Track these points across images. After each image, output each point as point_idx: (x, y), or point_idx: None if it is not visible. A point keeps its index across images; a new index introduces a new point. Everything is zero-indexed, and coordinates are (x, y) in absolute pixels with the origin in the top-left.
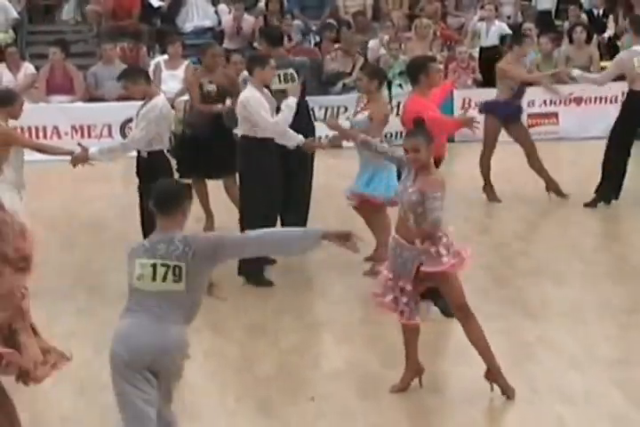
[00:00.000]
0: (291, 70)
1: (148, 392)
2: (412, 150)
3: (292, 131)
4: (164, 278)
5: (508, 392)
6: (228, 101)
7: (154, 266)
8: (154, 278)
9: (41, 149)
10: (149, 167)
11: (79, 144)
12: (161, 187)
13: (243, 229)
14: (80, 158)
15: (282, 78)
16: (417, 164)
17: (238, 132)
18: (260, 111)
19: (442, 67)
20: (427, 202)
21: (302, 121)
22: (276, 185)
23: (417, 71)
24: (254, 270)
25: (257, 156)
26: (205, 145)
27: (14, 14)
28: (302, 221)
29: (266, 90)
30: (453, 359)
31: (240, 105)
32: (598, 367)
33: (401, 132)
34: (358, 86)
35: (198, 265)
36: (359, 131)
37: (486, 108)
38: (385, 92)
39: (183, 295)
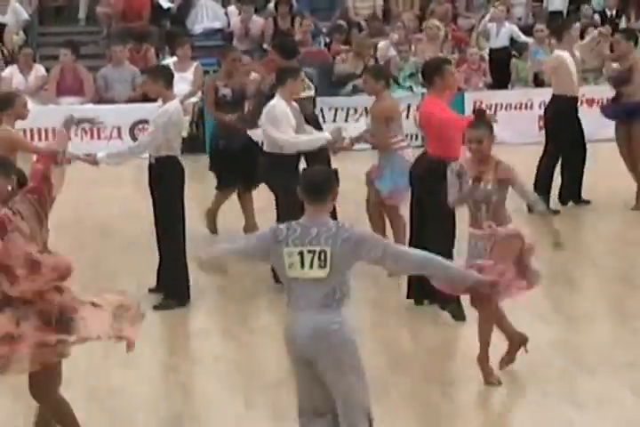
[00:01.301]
0: (305, 78)
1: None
2: (476, 141)
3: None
4: (311, 265)
5: (489, 380)
6: (247, 103)
7: (301, 253)
8: (302, 266)
9: (42, 154)
10: (158, 173)
11: (85, 155)
12: (311, 174)
13: None
14: (89, 163)
15: (302, 87)
16: (479, 154)
17: (266, 148)
18: (280, 126)
19: (453, 69)
20: (515, 187)
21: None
22: None
23: (432, 73)
24: None
25: (287, 170)
26: (237, 155)
27: (25, 16)
28: None
29: (294, 102)
30: (464, 363)
31: (265, 112)
32: (610, 371)
33: (415, 135)
34: (365, 88)
35: (344, 251)
36: (364, 132)
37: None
38: (390, 92)
39: (326, 281)
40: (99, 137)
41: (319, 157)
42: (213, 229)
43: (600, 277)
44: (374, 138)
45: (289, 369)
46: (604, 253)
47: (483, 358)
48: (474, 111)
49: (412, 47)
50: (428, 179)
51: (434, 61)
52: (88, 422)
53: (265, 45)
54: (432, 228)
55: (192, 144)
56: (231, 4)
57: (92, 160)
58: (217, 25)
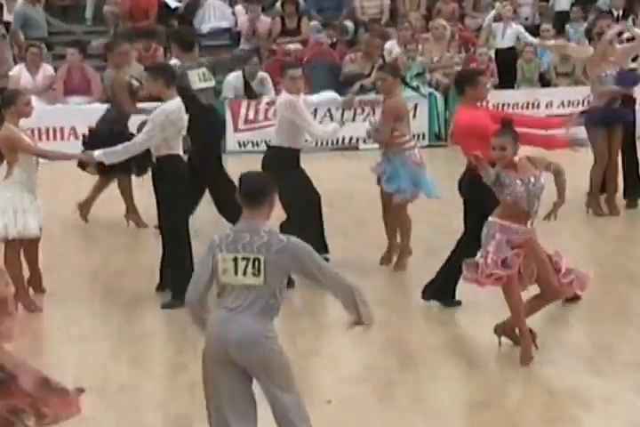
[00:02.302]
0: (204, 69)
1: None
2: (499, 148)
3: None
4: (245, 272)
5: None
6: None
7: (235, 260)
8: (235, 273)
9: (44, 156)
10: (160, 172)
11: (82, 151)
12: (247, 178)
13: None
14: (86, 161)
15: (200, 77)
16: (503, 161)
17: (274, 143)
18: (306, 118)
19: (460, 69)
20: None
21: None
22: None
23: (464, 83)
24: None
25: (290, 168)
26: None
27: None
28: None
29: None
30: (469, 362)
31: (286, 106)
32: (616, 371)
33: (422, 134)
34: (381, 86)
35: (278, 261)
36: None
37: None
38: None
39: (261, 289)
40: None
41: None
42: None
43: (606, 277)
44: (379, 134)
45: (296, 367)
46: (610, 253)
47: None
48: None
49: (419, 47)
50: (472, 189)
51: (467, 72)
52: (96, 420)
53: (274, 46)
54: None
55: None
56: (238, 3)
57: (90, 158)
58: (224, 24)
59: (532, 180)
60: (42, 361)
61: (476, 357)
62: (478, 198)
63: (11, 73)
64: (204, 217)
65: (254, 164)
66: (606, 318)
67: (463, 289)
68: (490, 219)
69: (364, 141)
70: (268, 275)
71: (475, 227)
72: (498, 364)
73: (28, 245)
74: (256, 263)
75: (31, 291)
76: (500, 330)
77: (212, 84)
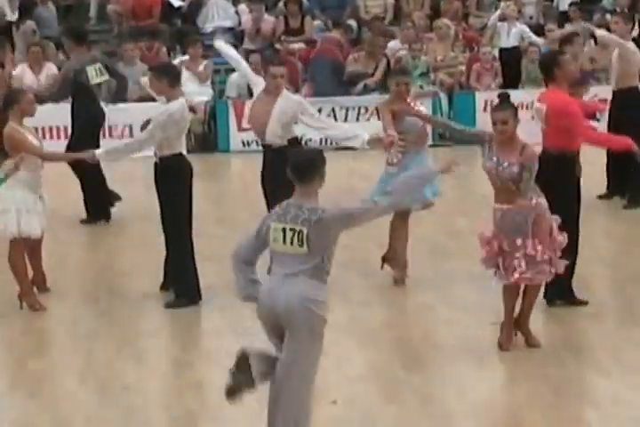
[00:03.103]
0: (99, 65)
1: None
2: (501, 123)
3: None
4: (291, 242)
5: (530, 342)
6: None
7: (283, 230)
8: (284, 242)
9: (46, 158)
10: (162, 172)
11: (84, 151)
12: (297, 155)
13: None
14: (88, 160)
15: (97, 73)
16: (505, 135)
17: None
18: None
19: (464, 68)
20: (524, 173)
21: None
22: None
23: (550, 65)
24: None
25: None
26: None
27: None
28: None
29: None
30: (475, 364)
31: (296, 105)
32: (622, 371)
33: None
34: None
35: (319, 233)
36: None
37: None
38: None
39: (307, 258)
40: (110, 136)
41: None
42: None
43: (612, 277)
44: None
45: None
46: (616, 253)
47: (522, 322)
48: (484, 109)
49: (423, 46)
50: (556, 173)
51: (550, 54)
52: (101, 419)
53: (277, 45)
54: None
55: (203, 143)
56: (241, 2)
57: (91, 157)
58: (227, 24)
59: (505, 164)
60: (48, 360)
61: (482, 357)
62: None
63: (14, 72)
64: (206, 216)
65: (258, 163)
66: (612, 318)
67: (467, 289)
68: (494, 206)
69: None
70: (312, 245)
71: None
72: (504, 364)
73: (32, 245)
74: (300, 235)
75: (36, 290)
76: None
77: (105, 78)
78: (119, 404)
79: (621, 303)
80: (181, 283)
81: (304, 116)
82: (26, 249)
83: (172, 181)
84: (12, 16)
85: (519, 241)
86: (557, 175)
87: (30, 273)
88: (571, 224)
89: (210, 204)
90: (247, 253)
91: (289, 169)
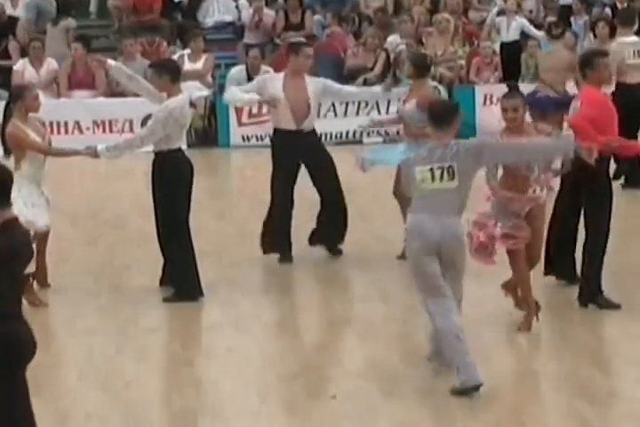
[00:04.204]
0: None
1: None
2: (512, 110)
3: None
4: (441, 178)
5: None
6: None
7: (431, 170)
8: (432, 180)
9: (48, 153)
10: (159, 168)
11: (86, 147)
12: (436, 105)
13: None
14: (90, 156)
15: None
16: (515, 122)
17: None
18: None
19: (464, 62)
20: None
21: None
22: None
23: (583, 65)
24: (282, 245)
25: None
26: None
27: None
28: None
29: None
30: (474, 357)
31: (321, 83)
32: (621, 366)
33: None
34: (409, 75)
35: (466, 164)
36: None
37: None
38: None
39: (455, 191)
40: (110, 131)
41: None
42: None
43: (609, 272)
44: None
45: (301, 362)
46: (615, 248)
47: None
48: (484, 103)
49: (424, 40)
50: (591, 177)
51: (586, 54)
52: (102, 415)
53: (277, 40)
54: (591, 225)
55: (204, 138)
56: None
57: (93, 153)
58: (228, 18)
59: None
60: (47, 356)
61: (482, 352)
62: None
63: (15, 67)
64: (206, 211)
65: (258, 157)
66: (611, 313)
67: (467, 284)
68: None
69: (368, 135)
70: (461, 178)
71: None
72: (503, 359)
73: (37, 240)
74: (450, 170)
75: (36, 286)
76: (506, 288)
77: None
78: (119, 400)
79: (620, 298)
80: (182, 281)
81: (332, 87)
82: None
83: (168, 176)
84: (13, 10)
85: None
86: (587, 175)
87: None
88: (601, 225)
89: (210, 199)
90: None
91: (429, 117)
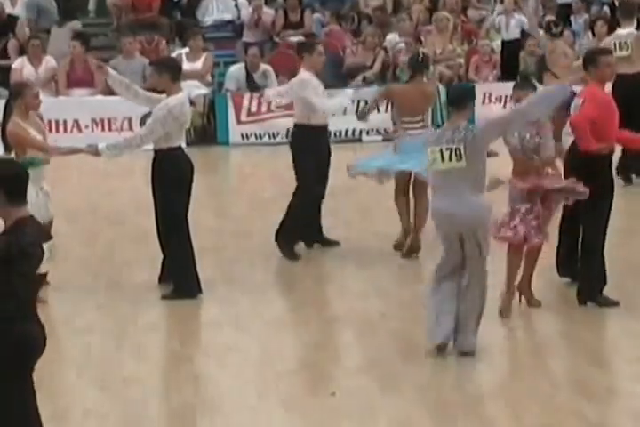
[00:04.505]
0: None
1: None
2: (520, 101)
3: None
4: (450, 159)
5: (532, 303)
6: None
7: (440, 151)
8: (442, 160)
9: (48, 152)
10: (158, 166)
11: (88, 145)
12: (452, 88)
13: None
14: (91, 154)
15: None
16: None
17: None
18: (314, 94)
19: (463, 61)
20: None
21: None
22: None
23: (586, 63)
24: (288, 243)
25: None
26: None
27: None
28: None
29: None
30: (475, 355)
31: (299, 85)
32: (619, 363)
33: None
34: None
35: (474, 146)
36: None
37: None
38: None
39: (466, 170)
40: (109, 129)
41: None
42: None
43: (610, 269)
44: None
45: (300, 359)
46: (614, 245)
47: (524, 286)
48: (482, 102)
49: (423, 39)
50: (592, 175)
51: (590, 51)
52: (101, 412)
53: (276, 38)
54: (588, 218)
55: (202, 136)
56: None
57: (94, 151)
58: (227, 16)
59: (527, 136)
60: (46, 353)
61: (480, 348)
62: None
63: (13, 65)
64: (205, 209)
65: (257, 156)
66: (610, 311)
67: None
68: (511, 180)
69: (367, 133)
70: (469, 158)
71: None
72: (501, 355)
73: None
74: (457, 151)
75: None
76: (520, 289)
77: None
78: (118, 397)
79: (620, 296)
80: (181, 278)
81: None
82: None
83: (168, 174)
84: (12, 9)
85: (523, 208)
86: (588, 173)
87: None
88: (598, 223)
89: (209, 196)
90: None
91: (447, 98)
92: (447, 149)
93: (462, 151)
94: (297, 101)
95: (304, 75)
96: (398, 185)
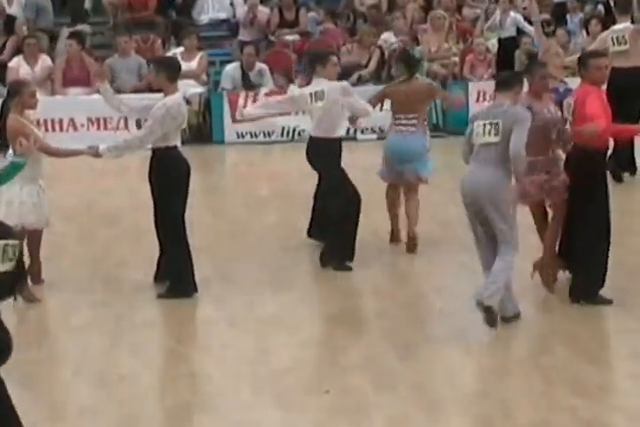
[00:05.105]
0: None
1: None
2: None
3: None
4: (489, 133)
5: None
6: None
7: (484, 125)
8: (483, 134)
9: (51, 153)
10: (156, 165)
11: (88, 147)
12: (502, 73)
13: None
14: (92, 155)
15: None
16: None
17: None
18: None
19: (457, 59)
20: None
21: None
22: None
23: (580, 63)
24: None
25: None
26: None
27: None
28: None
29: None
30: (467, 352)
31: (343, 91)
32: (613, 361)
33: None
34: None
35: (508, 124)
36: None
37: None
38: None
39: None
40: (105, 128)
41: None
42: None
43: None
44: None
45: (295, 357)
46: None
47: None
48: (477, 100)
49: (419, 37)
50: (584, 173)
51: (588, 53)
52: (96, 409)
53: (272, 37)
54: (584, 221)
55: (198, 134)
56: None
57: (95, 153)
58: (222, 15)
59: (552, 109)
60: (41, 351)
61: (474, 346)
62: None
63: (10, 64)
64: (200, 207)
65: (252, 154)
66: (605, 308)
67: (459, 279)
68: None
69: (362, 132)
70: (503, 134)
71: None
72: (496, 353)
73: (31, 236)
74: (496, 126)
75: (30, 282)
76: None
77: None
78: (114, 395)
79: (614, 294)
80: (177, 277)
81: None
82: (25, 240)
83: (167, 172)
84: (9, 8)
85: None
86: (582, 173)
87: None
88: (596, 225)
89: (204, 195)
90: (466, 155)
91: (496, 81)
92: (489, 123)
93: (500, 126)
94: (338, 108)
95: (339, 82)
96: (389, 185)
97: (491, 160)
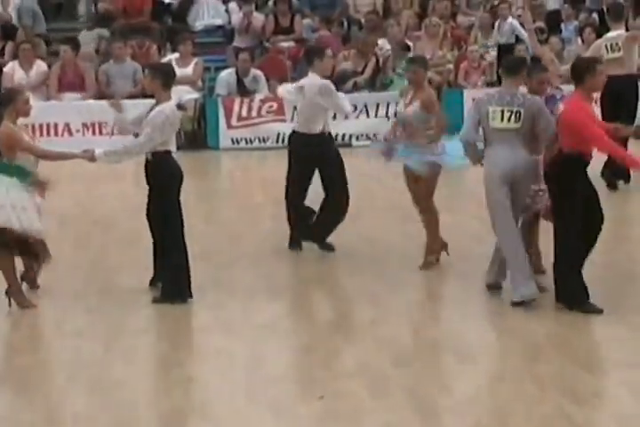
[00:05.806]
0: None
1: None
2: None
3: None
4: (509, 120)
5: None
6: None
7: (502, 112)
8: (502, 120)
9: (45, 157)
10: (155, 169)
11: (84, 150)
12: (509, 58)
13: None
14: (87, 160)
15: None
16: (544, 93)
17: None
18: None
19: (452, 66)
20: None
21: None
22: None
23: (583, 71)
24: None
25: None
26: None
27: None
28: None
29: None
30: (461, 359)
31: (321, 90)
32: (606, 368)
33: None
34: (414, 78)
35: (529, 112)
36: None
37: None
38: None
39: (519, 131)
40: (100, 133)
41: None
42: None
43: (596, 275)
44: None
45: (290, 363)
46: (600, 251)
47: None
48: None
49: (411, 44)
50: (563, 175)
51: (586, 60)
52: (90, 416)
53: (266, 43)
54: (562, 224)
55: (193, 140)
56: (232, 0)
57: (90, 156)
58: (218, 21)
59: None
60: (36, 357)
61: (469, 352)
62: (566, 186)
63: (5, 69)
64: (195, 213)
65: (247, 160)
66: (598, 315)
67: (454, 286)
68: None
69: (357, 138)
70: (525, 121)
71: (567, 218)
72: (490, 359)
73: (34, 243)
74: (517, 114)
75: (25, 287)
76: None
77: None
78: (108, 401)
79: (606, 301)
80: (172, 282)
81: None
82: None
83: (165, 176)
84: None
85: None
86: (560, 176)
87: (20, 270)
88: (569, 229)
89: (199, 201)
90: (473, 137)
91: (502, 66)
92: (508, 110)
93: (522, 115)
94: (314, 106)
95: (321, 80)
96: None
97: (514, 142)
